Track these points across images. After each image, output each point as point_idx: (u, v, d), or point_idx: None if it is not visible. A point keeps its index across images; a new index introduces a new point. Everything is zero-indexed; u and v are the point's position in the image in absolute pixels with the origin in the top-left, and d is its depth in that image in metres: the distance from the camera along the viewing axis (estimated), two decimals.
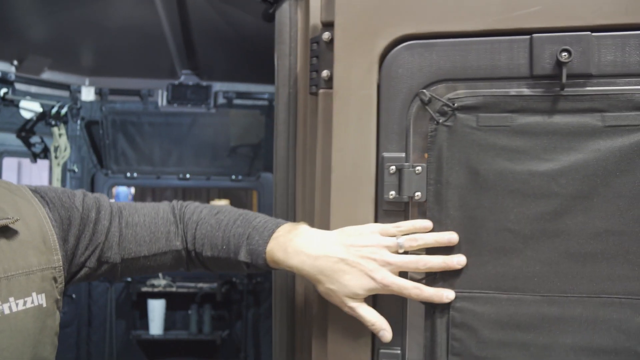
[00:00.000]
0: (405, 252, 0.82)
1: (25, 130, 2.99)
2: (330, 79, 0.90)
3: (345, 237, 0.82)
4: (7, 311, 0.71)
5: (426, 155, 0.84)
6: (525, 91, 0.81)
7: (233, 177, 3.34)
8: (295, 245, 0.82)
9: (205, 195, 4.22)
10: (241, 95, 3.32)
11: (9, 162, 3.22)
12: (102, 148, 3.27)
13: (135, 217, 0.88)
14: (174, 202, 0.94)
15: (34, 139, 3.03)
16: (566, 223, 0.79)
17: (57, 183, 3.05)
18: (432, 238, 0.81)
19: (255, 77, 3.20)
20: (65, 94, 3.16)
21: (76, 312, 3.22)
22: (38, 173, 3.37)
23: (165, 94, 3.30)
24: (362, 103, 0.87)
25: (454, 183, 0.82)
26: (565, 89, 0.80)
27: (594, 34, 0.80)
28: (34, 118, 2.98)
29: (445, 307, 0.82)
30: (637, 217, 0.77)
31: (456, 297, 0.81)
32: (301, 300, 0.97)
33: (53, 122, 3.01)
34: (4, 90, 2.82)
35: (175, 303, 3.40)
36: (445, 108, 0.83)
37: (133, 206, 0.91)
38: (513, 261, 0.80)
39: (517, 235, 0.80)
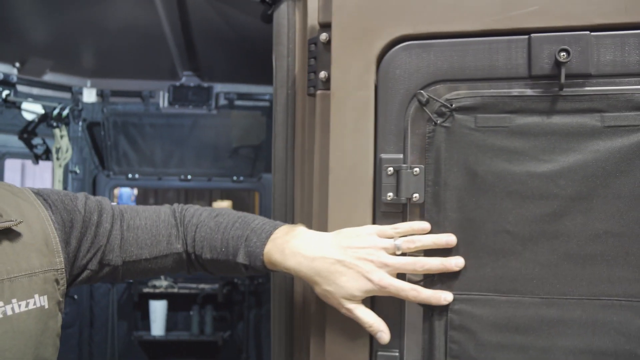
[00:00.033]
0: (403, 254, 0.81)
1: (27, 131, 3.00)
2: (327, 80, 0.90)
3: (343, 238, 0.82)
4: (9, 312, 0.71)
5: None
6: (524, 91, 0.80)
7: (234, 178, 3.34)
8: (292, 246, 0.82)
9: (207, 196, 4.22)
10: (242, 96, 3.32)
11: (13, 164, 3.24)
12: (104, 149, 3.28)
13: (137, 220, 0.89)
14: (175, 205, 0.94)
15: (36, 141, 3.04)
16: (565, 224, 0.78)
17: (58, 184, 3.06)
18: (430, 240, 0.81)
19: (256, 78, 3.21)
20: (67, 95, 3.17)
21: (78, 313, 3.23)
22: (41, 174, 3.38)
23: (166, 95, 3.30)
24: (359, 104, 0.86)
25: (452, 184, 0.82)
26: (564, 89, 0.79)
27: (592, 33, 0.79)
28: (36, 120, 2.99)
29: (443, 309, 0.81)
30: (637, 219, 0.77)
31: (454, 299, 0.81)
32: (300, 301, 0.97)
33: (54, 124, 3.02)
34: (6, 92, 2.83)
35: (176, 304, 3.40)
36: (443, 109, 0.82)
37: (134, 209, 0.91)
38: (512, 263, 0.80)
39: (516, 237, 0.79)
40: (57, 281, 0.78)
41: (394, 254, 0.81)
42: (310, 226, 0.90)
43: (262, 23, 1.17)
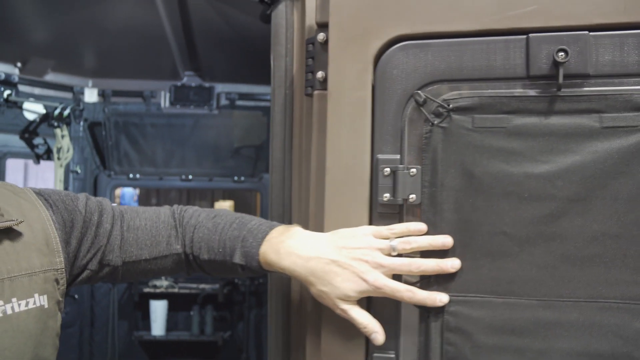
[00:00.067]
0: (399, 255, 0.81)
1: (29, 131, 3.00)
2: (325, 80, 0.89)
3: (338, 238, 0.81)
4: (9, 311, 0.72)
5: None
6: (522, 92, 0.80)
7: (235, 178, 3.34)
8: (287, 246, 0.82)
9: (210, 196, 4.23)
10: (244, 96, 3.32)
11: (16, 163, 3.25)
12: (105, 149, 3.28)
13: (137, 220, 0.89)
14: (175, 206, 0.94)
15: (37, 141, 3.05)
16: (563, 226, 0.78)
17: (59, 184, 3.07)
18: (426, 241, 0.80)
19: (257, 79, 3.20)
20: (68, 95, 3.18)
21: (79, 313, 3.23)
22: (44, 174, 3.39)
23: (167, 95, 3.30)
24: (356, 104, 0.86)
25: (449, 185, 0.81)
26: (562, 90, 0.78)
27: (591, 33, 0.78)
28: (37, 119, 3.00)
29: (439, 310, 0.81)
30: (635, 220, 0.76)
31: (451, 301, 0.80)
32: (296, 302, 0.96)
33: (56, 124, 3.03)
34: (8, 92, 2.84)
35: (177, 304, 3.40)
36: (440, 109, 0.82)
37: (135, 210, 0.92)
38: (508, 265, 0.79)
39: (513, 239, 0.79)
40: (57, 281, 0.78)
41: (390, 255, 0.80)
42: (307, 227, 0.89)
43: (263, 23, 1.17)
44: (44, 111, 3.01)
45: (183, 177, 3.33)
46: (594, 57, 0.78)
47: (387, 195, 0.83)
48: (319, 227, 0.88)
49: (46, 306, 0.76)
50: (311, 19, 0.94)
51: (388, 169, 0.83)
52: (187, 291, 3.38)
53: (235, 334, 3.41)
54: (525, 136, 0.79)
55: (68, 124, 3.12)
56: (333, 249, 0.80)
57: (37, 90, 3.02)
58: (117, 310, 3.32)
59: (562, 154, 0.78)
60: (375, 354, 0.84)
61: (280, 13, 1.01)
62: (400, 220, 0.84)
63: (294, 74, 1.00)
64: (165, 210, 0.93)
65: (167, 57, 2.97)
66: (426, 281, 0.82)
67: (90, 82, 3.24)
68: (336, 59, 0.87)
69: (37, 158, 3.05)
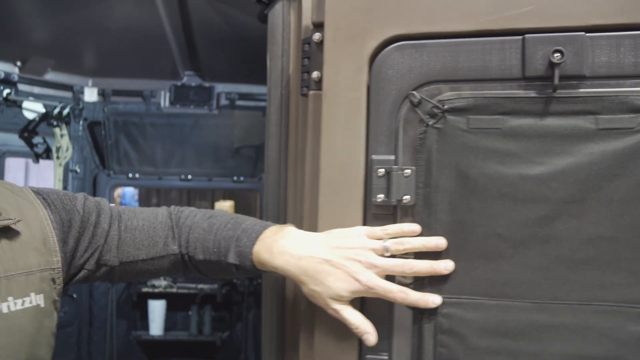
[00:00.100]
0: (393, 256, 0.80)
1: (28, 130, 3.00)
2: (320, 81, 0.89)
3: (331, 238, 0.81)
4: (5, 310, 0.72)
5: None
6: (517, 93, 0.79)
7: (235, 178, 3.34)
8: (280, 245, 0.82)
9: (210, 196, 4.23)
10: (244, 96, 3.32)
11: (16, 162, 3.25)
12: (105, 149, 3.28)
13: (134, 221, 0.89)
14: (172, 207, 0.95)
15: (37, 140, 3.05)
16: (558, 228, 0.77)
17: (59, 183, 3.07)
18: (420, 242, 0.80)
19: (257, 79, 3.20)
20: (68, 94, 3.18)
21: (77, 312, 3.23)
22: (44, 173, 3.39)
23: (167, 95, 3.30)
24: (351, 105, 0.85)
25: (444, 186, 0.81)
26: (558, 91, 0.78)
27: (587, 34, 0.78)
28: (37, 118, 3.00)
29: (433, 312, 0.80)
30: (630, 223, 0.75)
31: (444, 303, 0.80)
32: (291, 302, 0.96)
33: (55, 123, 3.03)
34: (7, 91, 2.84)
35: (175, 304, 3.40)
36: (435, 110, 0.81)
37: (132, 210, 0.92)
38: (503, 267, 0.79)
39: (507, 240, 0.78)
40: (53, 280, 0.78)
41: (383, 256, 0.80)
42: (301, 227, 0.89)
43: (263, 23, 1.17)
44: (43, 110, 3.01)
45: (182, 177, 3.33)
46: (590, 58, 0.78)
47: (381, 196, 0.83)
48: (314, 228, 0.87)
49: (42, 305, 0.76)
50: (307, 18, 0.93)
51: (382, 170, 0.83)
52: (185, 291, 3.38)
53: (234, 334, 3.41)
54: (521, 137, 0.79)
55: (67, 123, 3.12)
56: (326, 248, 0.80)
57: (36, 89, 3.02)
58: (116, 310, 3.32)
59: (558, 155, 0.77)
60: (368, 356, 0.84)
61: (276, 13, 1.01)
62: (395, 221, 0.83)
63: (290, 74, 0.99)
64: (162, 210, 0.93)
65: (167, 57, 2.97)
66: (420, 282, 0.81)
67: (90, 82, 3.24)
68: (331, 59, 0.86)
69: (37, 157, 3.05)
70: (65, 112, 3.05)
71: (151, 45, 2.81)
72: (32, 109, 2.97)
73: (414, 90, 0.83)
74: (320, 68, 0.89)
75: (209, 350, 3.43)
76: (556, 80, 0.77)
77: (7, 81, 2.83)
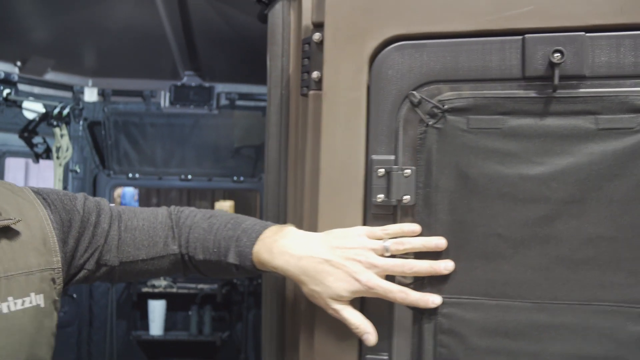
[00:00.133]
0: (393, 256, 0.80)
1: (28, 130, 3.00)
2: (320, 80, 0.89)
3: (331, 238, 0.81)
4: (5, 310, 0.72)
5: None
6: (517, 93, 0.79)
7: (235, 178, 3.34)
8: (280, 245, 0.82)
9: (210, 196, 4.22)
10: (244, 96, 3.32)
11: (16, 162, 3.25)
12: (105, 149, 3.28)
13: (135, 221, 0.89)
14: (172, 207, 0.95)
15: (36, 140, 3.05)
16: (558, 228, 0.77)
17: (59, 183, 3.07)
18: (420, 242, 0.80)
19: (257, 79, 3.19)
20: (68, 94, 3.18)
21: (77, 312, 3.23)
22: (44, 173, 3.39)
23: (167, 95, 3.30)
24: (351, 105, 0.85)
25: (444, 186, 0.81)
26: (558, 91, 0.78)
27: (587, 34, 0.78)
28: (37, 118, 3.00)
29: (433, 312, 0.80)
30: (631, 223, 0.75)
31: (444, 303, 0.80)
32: (291, 302, 0.96)
33: (55, 123, 3.03)
34: (7, 91, 2.84)
35: (175, 304, 3.40)
36: (435, 110, 0.81)
37: (132, 210, 0.92)
38: (503, 267, 0.79)
39: (507, 241, 0.78)
40: (53, 280, 0.79)
41: (383, 256, 0.80)
42: (301, 227, 0.89)
43: (262, 23, 1.17)
44: (43, 110, 3.01)
45: (182, 177, 3.33)
46: (590, 58, 0.78)
47: (381, 196, 0.83)
48: (314, 228, 0.87)
49: (42, 305, 0.76)
50: (307, 18, 0.93)
51: (382, 170, 0.83)
52: (185, 291, 3.38)
53: (234, 334, 3.41)
54: (521, 137, 0.79)
55: (67, 123, 3.12)
56: (326, 248, 0.80)
57: (36, 89, 3.02)
58: (116, 310, 3.32)
59: (558, 155, 0.77)
60: (368, 356, 0.84)
61: (276, 13, 1.01)
62: (395, 221, 0.83)
63: (290, 74, 0.99)
64: (162, 210, 0.93)
65: (167, 57, 2.97)
66: (420, 282, 0.81)
67: (90, 82, 3.24)
68: (331, 59, 0.86)
69: (37, 157, 3.05)
70: (65, 112, 3.05)
71: (151, 45, 2.81)
72: (32, 109, 2.97)
73: (414, 90, 0.83)
74: (320, 68, 0.89)
75: (209, 350, 3.43)
76: (556, 80, 0.77)
77: (7, 81, 2.83)
